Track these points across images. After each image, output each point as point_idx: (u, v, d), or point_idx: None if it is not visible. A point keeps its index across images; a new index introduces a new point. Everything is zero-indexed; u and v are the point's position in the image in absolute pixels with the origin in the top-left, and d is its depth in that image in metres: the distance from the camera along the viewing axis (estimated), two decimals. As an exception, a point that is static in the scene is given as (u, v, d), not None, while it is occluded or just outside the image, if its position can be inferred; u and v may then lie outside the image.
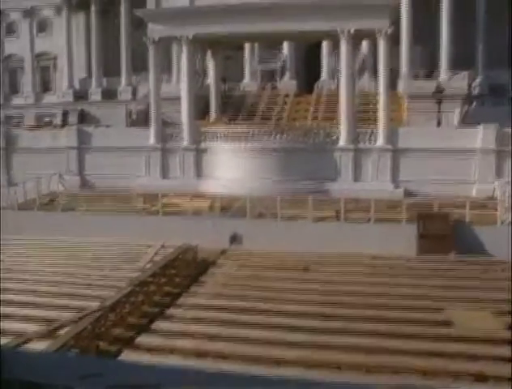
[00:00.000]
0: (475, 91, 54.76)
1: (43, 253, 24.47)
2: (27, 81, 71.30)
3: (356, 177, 35.15)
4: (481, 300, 17.72)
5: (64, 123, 57.57)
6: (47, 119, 64.84)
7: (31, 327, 15.54)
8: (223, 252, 24.81)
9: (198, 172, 37.28)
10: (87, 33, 66.82)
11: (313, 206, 28.01)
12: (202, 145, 37.34)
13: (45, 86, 70.97)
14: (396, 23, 39.32)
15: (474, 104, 52.95)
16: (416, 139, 35.10)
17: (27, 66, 71.18)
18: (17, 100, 69.89)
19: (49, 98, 69.10)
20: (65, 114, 62.22)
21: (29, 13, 70.44)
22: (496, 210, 28.27)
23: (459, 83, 51.31)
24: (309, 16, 33.87)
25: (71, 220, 30.17)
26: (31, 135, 42.80)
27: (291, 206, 28.76)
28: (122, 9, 62.67)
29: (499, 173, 33.76)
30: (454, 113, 48.10)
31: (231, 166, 35.73)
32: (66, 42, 65.99)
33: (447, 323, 15.91)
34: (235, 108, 51.37)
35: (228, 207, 30.29)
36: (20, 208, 32.25)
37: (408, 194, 33.83)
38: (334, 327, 15.70)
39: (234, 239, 27.70)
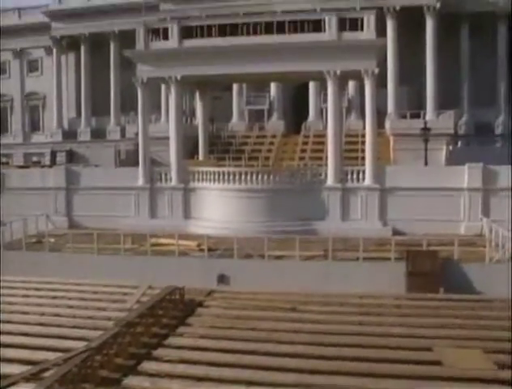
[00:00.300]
0: (462, 130, 55.46)
1: (29, 293, 24.22)
2: (16, 120, 71.70)
3: (344, 216, 35.26)
4: (471, 338, 17.65)
5: (52, 163, 57.65)
6: (35, 159, 64.93)
7: (15, 369, 15.31)
8: (210, 293, 24.65)
9: (186, 212, 37.29)
10: (77, 73, 67.40)
11: (301, 245, 28.00)
12: (190, 185, 37.42)
13: (34, 125, 71.39)
14: (383, 63, 39.90)
15: (460, 143, 53.54)
16: (403, 178, 35.34)
17: (17, 106, 71.63)
18: (6, 139, 70.07)
19: (37, 137, 69.42)
20: (53, 154, 62.36)
21: (20, 54, 71.04)
22: (484, 247, 28.38)
23: (445, 122, 51.98)
24: (295, 58, 34.31)
25: (58, 260, 29.99)
26: (19, 175, 42.73)
27: (278, 246, 28.76)
28: (112, 49, 63.36)
29: (486, 211, 34.01)
30: (441, 152, 48.56)
31: (218, 206, 35.82)
32: (56, 82, 66.52)
33: (437, 362, 15.80)
34: (223, 148, 51.73)
35: (215, 248, 30.25)
36: (7, 248, 32.03)
37: (397, 232, 33.93)
38: (323, 368, 15.57)
39: (222, 279, 27.61)
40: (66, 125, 67.13)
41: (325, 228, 33.82)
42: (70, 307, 21.95)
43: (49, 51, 68.45)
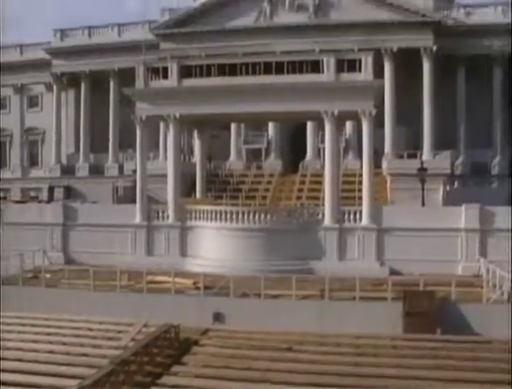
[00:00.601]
0: (458, 171, 55.74)
1: (24, 329, 24.09)
2: (15, 155, 71.96)
3: (341, 256, 35.20)
4: (469, 380, 17.54)
5: (50, 198, 57.66)
6: (33, 194, 64.95)
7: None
8: (206, 331, 24.56)
9: (183, 250, 37.20)
10: (77, 109, 67.87)
11: (297, 285, 27.91)
12: (187, 223, 37.41)
13: (33, 160, 71.61)
14: (380, 104, 40.26)
15: (457, 183, 53.80)
16: (400, 218, 35.37)
17: (16, 141, 71.98)
18: (4, 174, 70.19)
19: (35, 172, 69.58)
20: (51, 189, 62.39)
21: (20, 89, 71.63)
22: (481, 288, 28.32)
23: (442, 162, 52.27)
24: (293, 98, 34.60)
25: (54, 296, 29.81)
26: (16, 210, 42.71)
27: (275, 285, 28.67)
28: (111, 86, 63.90)
29: (483, 252, 34.01)
30: (438, 192, 48.73)
31: (215, 245, 35.78)
32: (55, 118, 66.96)
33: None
34: (220, 186, 51.85)
35: (211, 286, 30.15)
36: (3, 283, 31.86)
37: (394, 272, 33.84)
38: (319, 409, 15.44)
39: (217, 318, 27.46)
40: (64, 160, 67.37)
41: (322, 267, 33.72)
42: (65, 344, 21.85)
43: (49, 87, 69.02)
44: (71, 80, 67.30)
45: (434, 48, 54.31)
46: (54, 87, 67.15)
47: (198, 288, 29.75)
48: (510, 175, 51.42)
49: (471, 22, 56.06)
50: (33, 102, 72.03)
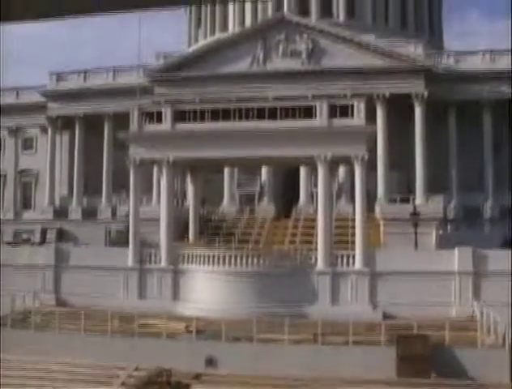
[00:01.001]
0: (451, 215, 55.90)
1: (12, 374, 23.77)
2: (8, 196, 71.81)
3: (334, 299, 35.11)
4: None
5: (42, 240, 57.42)
6: (25, 236, 64.62)
7: None
8: (198, 375, 24.32)
9: (175, 293, 37.05)
10: (71, 152, 68.01)
11: (290, 329, 27.76)
12: (180, 267, 37.31)
13: (26, 202, 71.44)
14: (373, 149, 40.61)
15: (449, 226, 53.92)
16: (393, 262, 35.42)
17: (10, 182, 71.91)
18: (-4, 215, 69.83)
19: (28, 214, 69.34)
20: (43, 232, 62.11)
21: (15, 131, 71.91)
22: (476, 331, 28.22)
23: (435, 206, 52.42)
24: (286, 143, 34.95)
25: (44, 339, 29.57)
26: (8, 251, 42.54)
27: (267, 329, 28.50)
28: (106, 130, 64.24)
29: (477, 295, 33.97)
30: (431, 236, 48.79)
31: (208, 288, 35.66)
32: (49, 160, 67.03)
33: None
34: (213, 230, 51.71)
35: (204, 330, 29.93)
36: (-8, 326, 31.55)
37: (387, 316, 33.73)
38: None
39: (209, 362, 27.22)
40: (57, 203, 67.28)
41: (314, 311, 33.60)
42: (55, 388, 21.53)
43: (44, 130, 69.34)
44: (66, 123, 67.65)
45: (425, 93, 54.97)
46: (49, 130, 67.45)
47: (190, 332, 29.55)
48: (510, 218, 51.54)
49: (461, 68, 56.96)
50: (28, 144, 72.24)
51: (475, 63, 57.31)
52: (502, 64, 56.32)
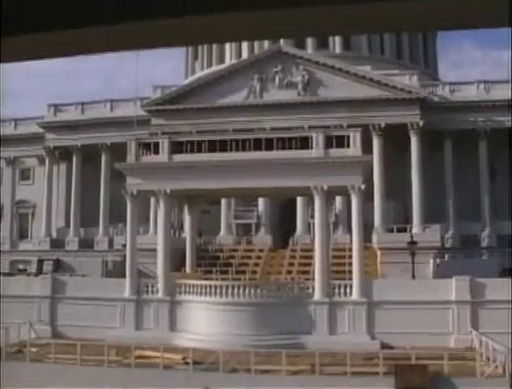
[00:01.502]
0: (448, 244, 55.91)
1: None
2: (4, 227, 71.67)
3: (332, 330, 34.96)
4: None
5: (39, 271, 57.21)
6: (21, 267, 64.42)
7: None
8: (195, 407, 24.13)
9: (172, 324, 36.87)
10: (68, 183, 68.12)
11: (288, 360, 27.64)
12: (177, 297, 37.20)
13: (23, 233, 71.35)
14: (369, 178, 40.75)
15: (447, 256, 53.89)
16: (391, 292, 35.36)
17: (7, 213, 71.86)
18: (-8, 246, 69.61)
19: (25, 245, 69.19)
20: (40, 262, 61.90)
21: (12, 162, 72.09)
22: (474, 361, 28.08)
23: (432, 235, 52.43)
24: (283, 173, 35.09)
25: (39, 371, 29.35)
26: (4, 282, 42.36)
27: (265, 360, 28.37)
28: (103, 161, 64.43)
29: (475, 324, 33.85)
30: (428, 265, 48.78)
31: (205, 319, 35.50)
32: (47, 191, 67.09)
33: None
34: (210, 261, 51.66)
35: (201, 361, 29.75)
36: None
37: (385, 346, 33.58)
38: None
39: (207, 394, 27.03)
40: (54, 233, 67.19)
41: (312, 341, 33.44)
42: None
43: (41, 160, 69.50)
44: (63, 154, 67.86)
45: (421, 123, 55.33)
46: (46, 161, 67.64)
47: (187, 363, 29.37)
48: (509, 247, 51.52)
49: (456, 98, 57.46)
50: (25, 175, 72.36)
51: (470, 93, 57.86)
52: (497, 94, 56.89)
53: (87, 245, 63.64)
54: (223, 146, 36.98)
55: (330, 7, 1.88)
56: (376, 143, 55.81)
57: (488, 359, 28.19)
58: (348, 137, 36.06)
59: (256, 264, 51.61)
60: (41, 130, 67.37)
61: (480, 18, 1.90)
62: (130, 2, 1.96)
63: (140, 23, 1.97)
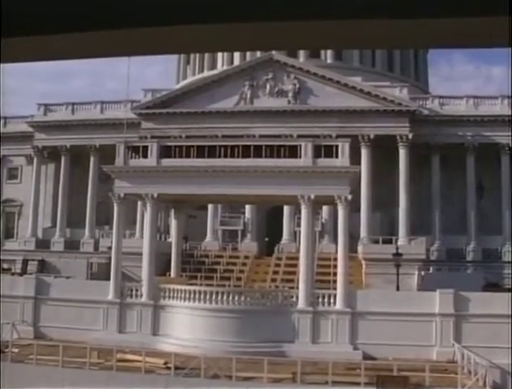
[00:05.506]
0: (433, 256, 56.19)
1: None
2: (-10, 226, 71.20)
3: (314, 339, 34.96)
4: None
5: (23, 271, 56.91)
6: (6, 266, 64.03)
7: None
8: (175, 412, 24.08)
9: (155, 328, 36.74)
10: (55, 183, 67.91)
11: (270, 367, 27.66)
12: (161, 302, 37.10)
13: (8, 232, 70.93)
14: (357, 189, 40.88)
15: (432, 268, 54.15)
16: (375, 302, 35.43)
17: (-8, 211, 71.41)
18: (-23, 245, 69.19)
19: (10, 245, 68.78)
20: (25, 262, 61.59)
21: (0, 161, 71.69)
22: (456, 374, 28.20)
23: (417, 248, 52.70)
24: (271, 181, 35.13)
25: (20, 372, 29.18)
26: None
27: (246, 367, 28.37)
28: (91, 162, 64.27)
29: (458, 337, 33.97)
30: (413, 277, 48.97)
31: (188, 325, 35.42)
32: (34, 191, 66.81)
33: None
34: (195, 266, 51.66)
35: (182, 367, 29.71)
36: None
37: (367, 356, 33.62)
38: None
39: (188, 399, 26.99)
40: (40, 234, 66.91)
41: (294, 350, 33.42)
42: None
43: (29, 160, 69.23)
44: (52, 154, 67.65)
45: (410, 136, 55.64)
46: (35, 160, 67.39)
47: (168, 368, 29.31)
48: (495, 261, 51.87)
49: (445, 112, 57.86)
50: (12, 174, 72.01)
51: (460, 108, 58.32)
52: (486, 109, 57.38)
53: (72, 246, 63.42)
54: (211, 152, 36.99)
55: (323, 22, 1.92)
56: (364, 154, 56.05)
57: (470, 372, 28.32)
58: (337, 147, 36.17)
59: (241, 271, 51.65)
60: (30, 130, 67.15)
61: (480, 37, 1.92)
62: (130, 10, 2.01)
63: (137, 30, 2.03)
